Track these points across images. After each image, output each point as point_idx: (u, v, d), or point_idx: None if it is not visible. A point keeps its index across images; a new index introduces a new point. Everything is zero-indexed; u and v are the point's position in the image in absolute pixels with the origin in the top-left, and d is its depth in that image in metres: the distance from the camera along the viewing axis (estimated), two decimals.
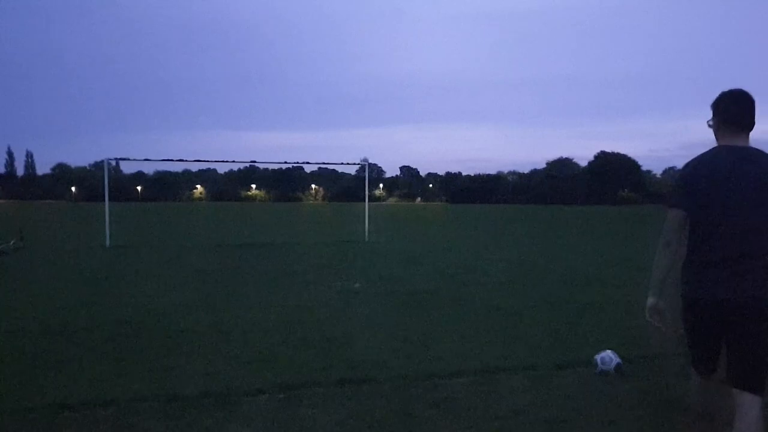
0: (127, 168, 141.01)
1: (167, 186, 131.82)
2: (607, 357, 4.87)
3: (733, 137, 2.79)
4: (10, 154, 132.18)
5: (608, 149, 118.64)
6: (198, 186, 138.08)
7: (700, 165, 2.81)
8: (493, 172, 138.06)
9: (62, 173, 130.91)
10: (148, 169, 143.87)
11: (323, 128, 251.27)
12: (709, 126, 2.88)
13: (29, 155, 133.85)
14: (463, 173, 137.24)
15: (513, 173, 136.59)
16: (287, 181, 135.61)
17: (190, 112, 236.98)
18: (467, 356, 5.38)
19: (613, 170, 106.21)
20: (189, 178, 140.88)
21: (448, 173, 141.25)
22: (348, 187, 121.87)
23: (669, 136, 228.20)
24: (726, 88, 2.86)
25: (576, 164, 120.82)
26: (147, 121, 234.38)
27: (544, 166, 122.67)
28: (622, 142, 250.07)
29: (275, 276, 10.76)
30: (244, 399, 4.28)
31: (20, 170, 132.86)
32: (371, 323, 6.78)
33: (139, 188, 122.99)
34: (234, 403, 4.20)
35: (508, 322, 6.85)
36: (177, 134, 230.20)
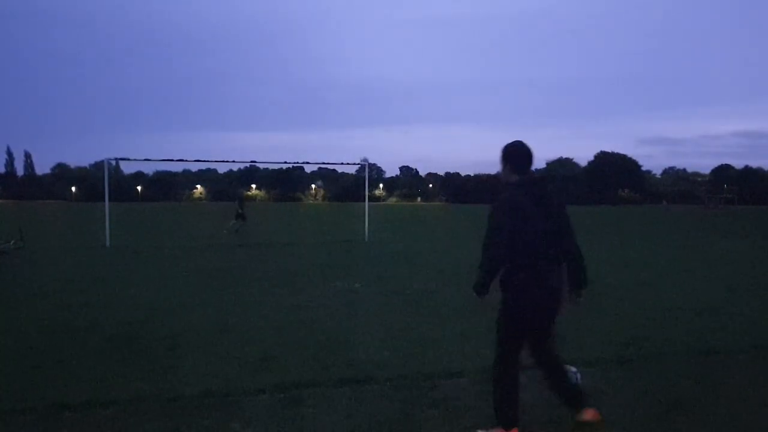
0: (127, 168, 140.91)
1: (167, 186, 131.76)
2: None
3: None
4: (9, 154, 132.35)
5: (608, 149, 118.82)
6: (198, 186, 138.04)
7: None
8: (493, 172, 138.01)
9: (62, 173, 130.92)
10: (148, 169, 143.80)
11: (323, 128, 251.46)
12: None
13: (28, 156, 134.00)
14: (463, 173, 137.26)
15: None
16: (287, 181, 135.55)
17: (190, 112, 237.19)
18: (467, 356, 5.38)
19: (613, 170, 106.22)
20: (189, 178, 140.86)
21: (447, 173, 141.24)
22: (348, 187, 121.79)
23: (667, 137, 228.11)
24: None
25: (576, 164, 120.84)
26: (147, 121, 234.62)
27: (544, 166, 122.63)
28: (621, 142, 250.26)
29: (275, 276, 10.76)
30: (244, 399, 4.28)
31: (20, 170, 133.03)
32: (371, 323, 6.78)
33: (139, 188, 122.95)
34: (234, 403, 4.20)
35: None
36: (177, 134, 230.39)
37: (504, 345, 3.64)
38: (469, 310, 7.54)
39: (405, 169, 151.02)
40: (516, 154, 3.67)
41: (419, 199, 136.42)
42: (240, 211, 21.67)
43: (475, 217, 43.45)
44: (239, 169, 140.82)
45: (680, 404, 4.16)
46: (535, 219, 3.50)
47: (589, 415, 3.71)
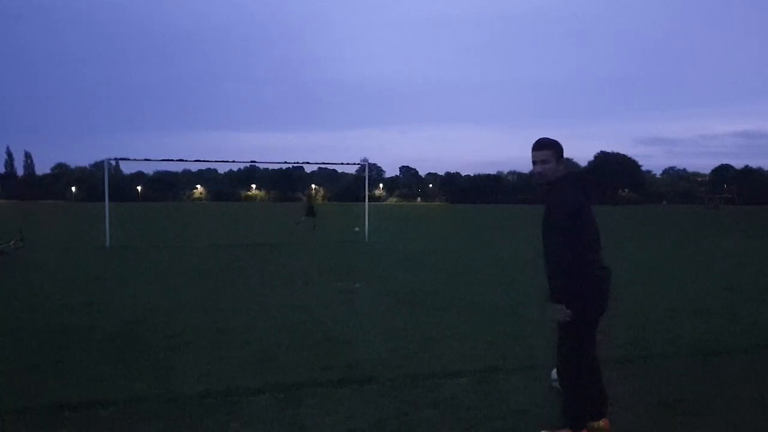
0: (127, 168, 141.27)
1: (167, 186, 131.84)
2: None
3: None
4: (9, 154, 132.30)
5: (606, 149, 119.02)
6: (198, 186, 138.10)
7: None
8: (493, 172, 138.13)
9: (62, 173, 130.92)
10: (148, 169, 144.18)
11: (323, 128, 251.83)
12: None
13: (28, 156, 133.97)
14: (463, 173, 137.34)
15: (513, 173, 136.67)
16: (287, 181, 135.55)
17: (190, 112, 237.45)
18: (467, 356, 5.38)
19: (613, 170, 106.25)
20: (189, 178, 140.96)
21: (447, 173, 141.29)
22: (348, 187, 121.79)
23: (665, 137, 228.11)
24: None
25: (576, 164, 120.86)
26: (147, 121, 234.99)
27: None
28: (619, 142, 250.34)
29: (275, 276, 10.76)
30: (244, 399, 4.28)
31: (20, 170, 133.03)
32: (371, 323, 6.78)
33: (139, 188, 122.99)
34: (234, 403, 4.20)
35: (508, 322, 6.85)
36: (177, 134, 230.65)
37: (571, 347, 3.53)
38: (468, 310, 7.55)
39: (405, 169, 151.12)
40: (562, 149, 3.62)
41: (419, 199, 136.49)
42: (310, 208, 22.14)
43: (475, 217, 43.45)
44: (239, 169, 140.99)
45: (680, 404, 4.16)
46: (591, 215, 3.49)
47: (603, 423, 3.68)
